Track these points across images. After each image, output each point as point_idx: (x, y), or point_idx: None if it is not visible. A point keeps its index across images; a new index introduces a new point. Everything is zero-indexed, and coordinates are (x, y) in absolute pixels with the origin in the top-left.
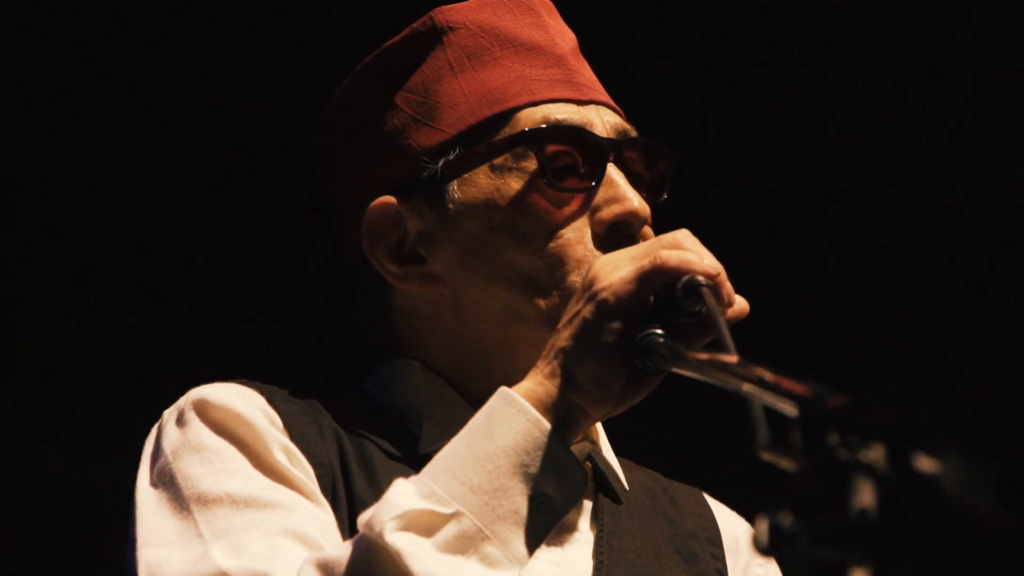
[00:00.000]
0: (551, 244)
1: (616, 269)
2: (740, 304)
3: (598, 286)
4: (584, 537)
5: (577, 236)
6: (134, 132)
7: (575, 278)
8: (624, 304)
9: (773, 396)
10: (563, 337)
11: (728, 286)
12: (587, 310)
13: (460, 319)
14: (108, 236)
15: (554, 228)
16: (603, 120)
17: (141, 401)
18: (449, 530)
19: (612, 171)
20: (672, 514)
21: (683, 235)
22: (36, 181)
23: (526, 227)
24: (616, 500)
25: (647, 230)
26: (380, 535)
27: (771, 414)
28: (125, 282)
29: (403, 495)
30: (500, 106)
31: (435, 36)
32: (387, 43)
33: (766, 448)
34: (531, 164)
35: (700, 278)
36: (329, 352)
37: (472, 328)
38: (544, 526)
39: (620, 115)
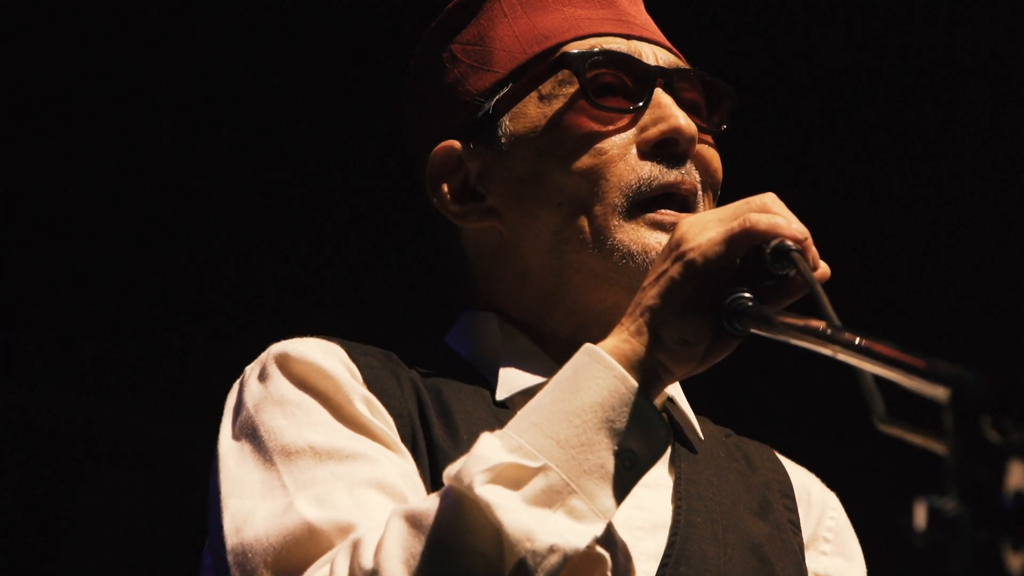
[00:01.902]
0: (594, 162)
1: (704, 230)
2: (823, 269)
3: (686, 246)
4: (663, 483)
5: (620, 154)
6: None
7: (615, 195)
8: (712, 265)
9: (881, 366)
10: (650, 295)
11: (814, 251)
12: (675, 269)
13: (519, 253)
14: (192, 195)
15: (597, 147)
16: (655, 53)
17: (225, 360)
18: (537, 483)
19: (660, 94)
20: (745, 466)
21: (771, 198)
22: (128, 141)
23: (569, 147)
24: (691, 449)
25: (707, 155)
26: (470, 487)
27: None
28: (210, 243)
29: (490, 448)
30: (548, 42)
31: None
32: (449, 4)
33: (883, 419)
34: (575, 88)
35: (789, 243)
36: (415, 308)
37: (529, 261)
38: (629, 481)
39: (677, 56)
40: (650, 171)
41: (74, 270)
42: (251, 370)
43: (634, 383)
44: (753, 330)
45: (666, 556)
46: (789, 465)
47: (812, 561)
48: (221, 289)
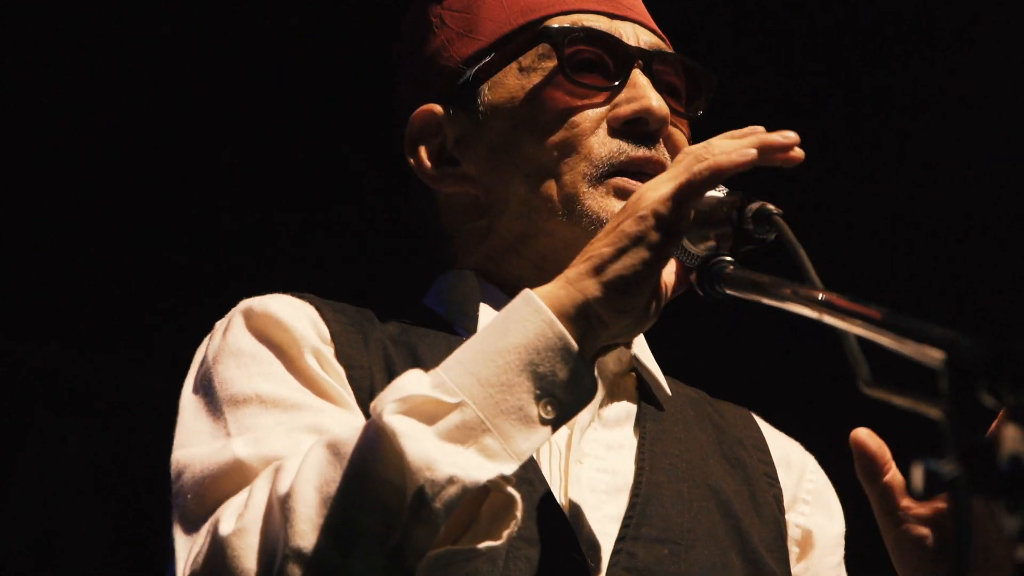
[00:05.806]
0: (566, 135)
1: (654, 188)
2: (796, 150)
3: (639, 203)
4: (628, 444)
5: (592, 128)
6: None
7: (585, 166)
8: (663, 220)
9: (870, 329)
10: (597, 247)
11: (772, 136)
12: (627, 224)
13: (489, 217)
14: (192, 164)
15: (571, 121)
16: (636, 34)
17: (182, 311)
18: (451, 419)
19: (637, 75)
20: (720, 423)
21: (715, 140)
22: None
23: (544, 119)
24: (658, 407)
25: (678, 139)
26: (379, 415)
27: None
28: (205, 209)
29: (413, 381)
30: (532, 15)
31: None
32: None
33: (868, 383)
34: (555, 63)
35: (771, 206)
36: (394, 268)
37: (499, 224)
38: (549, 426)
39: (661, 38)
40: (619, 146)
41: (29, 219)
42: (219, 325)
43: (561, 328)
44: (734, 292)
45: (627, 517)
46: (769, 430)
47: (793, 521)
48: (181, 242)
